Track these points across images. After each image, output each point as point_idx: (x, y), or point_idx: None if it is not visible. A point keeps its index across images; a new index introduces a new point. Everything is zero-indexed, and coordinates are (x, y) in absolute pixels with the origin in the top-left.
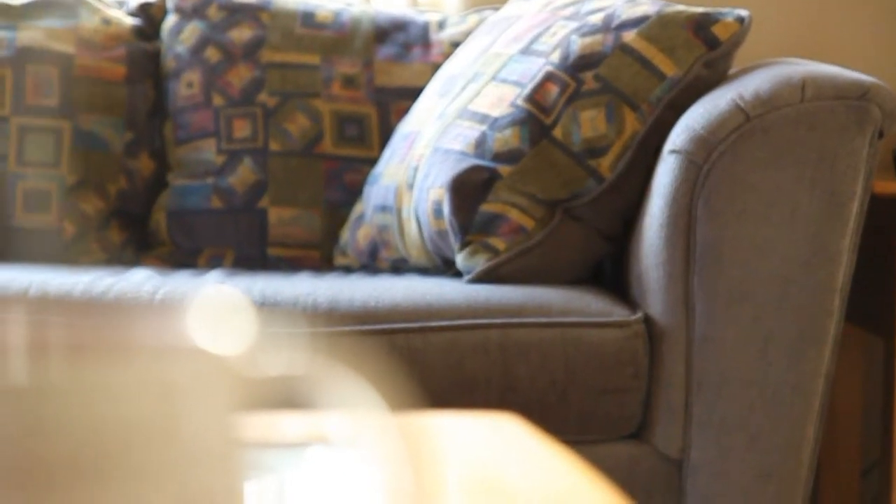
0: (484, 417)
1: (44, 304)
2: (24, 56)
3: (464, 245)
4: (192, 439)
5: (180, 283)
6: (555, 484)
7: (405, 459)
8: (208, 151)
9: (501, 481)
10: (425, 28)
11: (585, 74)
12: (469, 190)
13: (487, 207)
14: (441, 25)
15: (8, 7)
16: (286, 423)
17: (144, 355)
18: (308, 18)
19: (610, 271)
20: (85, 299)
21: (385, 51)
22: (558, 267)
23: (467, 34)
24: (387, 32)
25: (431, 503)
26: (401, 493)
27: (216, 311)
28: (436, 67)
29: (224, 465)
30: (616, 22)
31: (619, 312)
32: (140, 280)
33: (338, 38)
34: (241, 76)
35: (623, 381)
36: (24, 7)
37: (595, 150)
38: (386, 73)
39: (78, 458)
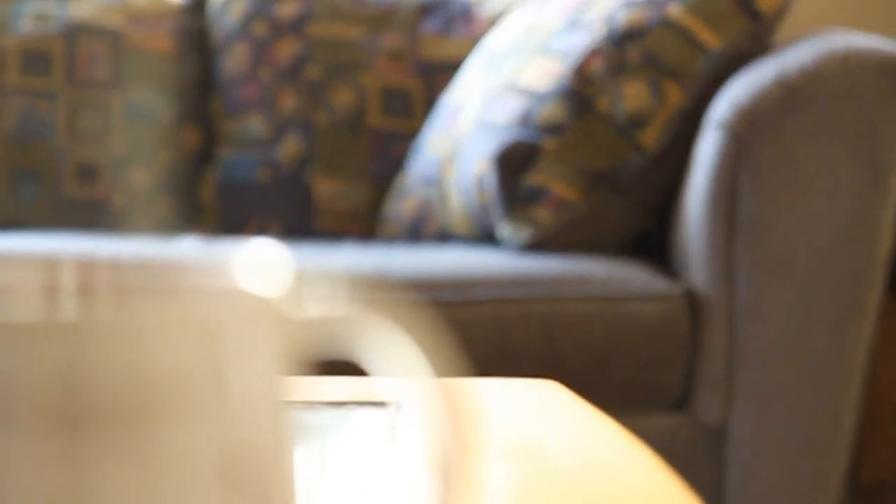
0: (527, 383)
1: (91, 267)
2: (74, 30)
3: (507, 217)
4: (239, 385)
5: (227, 250)
6: (598, 449)
7: (449, 421)
8: (255, 124)
9: (544, 445)
10: (468, 2)
11: (630, 48)
12: (513, 163)
13: (531, 180)
14: None
15: None
16: (332, 385)
17: (189, 297)
18: None
19: (652, 243)
20: (133, 262)
21: (429, 24)
22: (601, 239)
23: (511, 7)
24: (430, 6)
25: (474, 464)
26: (444, 455)
27: (261, 261)
28: (479, 41)
29: (271, 413)
30: None
31: (661, 284)
32: (187, 248)
33: (383, 13)
34: (287, 50)
35: (665, 353)
36: None
37: (638, 123)
38: (430, 47)
39: (121, 403)
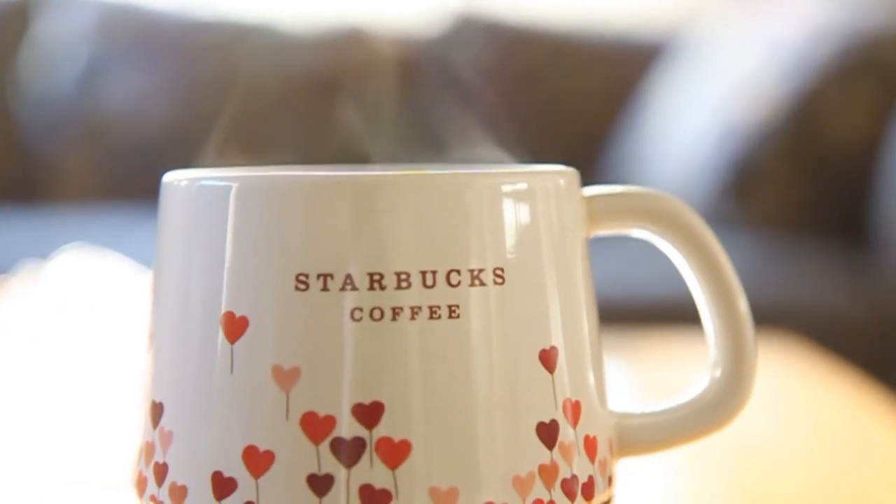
0: (771, 336)
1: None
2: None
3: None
4: (558, 249)
5: None
6: (857, 405)
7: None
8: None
9: (801, 398)
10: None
11: (849, 78)
12: (739, 181)
13: (754, 196)
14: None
15: None
16: None
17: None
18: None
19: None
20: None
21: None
22: (812, 222)
23: (713, 38)
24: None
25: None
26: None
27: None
28: (681, 67)
29: (584, 293)
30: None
31: (868, 283)
32: None
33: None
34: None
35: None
36: None
37: (857, 148)
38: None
39: (434, 262)
